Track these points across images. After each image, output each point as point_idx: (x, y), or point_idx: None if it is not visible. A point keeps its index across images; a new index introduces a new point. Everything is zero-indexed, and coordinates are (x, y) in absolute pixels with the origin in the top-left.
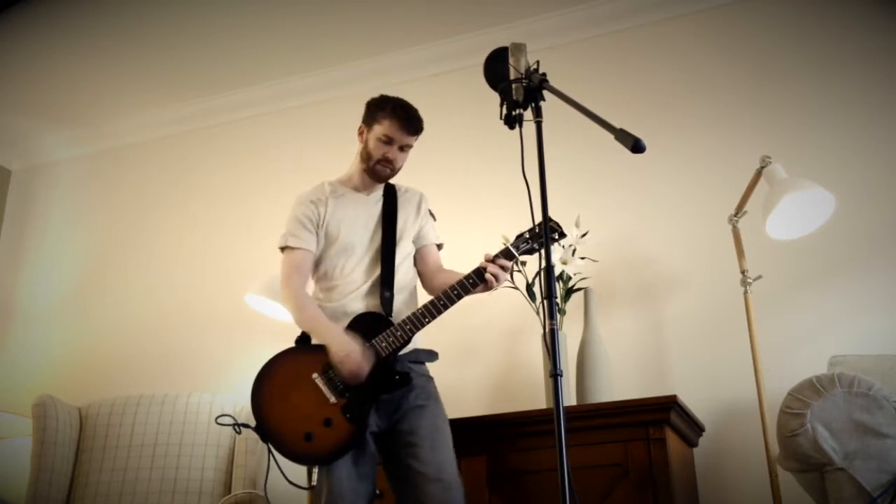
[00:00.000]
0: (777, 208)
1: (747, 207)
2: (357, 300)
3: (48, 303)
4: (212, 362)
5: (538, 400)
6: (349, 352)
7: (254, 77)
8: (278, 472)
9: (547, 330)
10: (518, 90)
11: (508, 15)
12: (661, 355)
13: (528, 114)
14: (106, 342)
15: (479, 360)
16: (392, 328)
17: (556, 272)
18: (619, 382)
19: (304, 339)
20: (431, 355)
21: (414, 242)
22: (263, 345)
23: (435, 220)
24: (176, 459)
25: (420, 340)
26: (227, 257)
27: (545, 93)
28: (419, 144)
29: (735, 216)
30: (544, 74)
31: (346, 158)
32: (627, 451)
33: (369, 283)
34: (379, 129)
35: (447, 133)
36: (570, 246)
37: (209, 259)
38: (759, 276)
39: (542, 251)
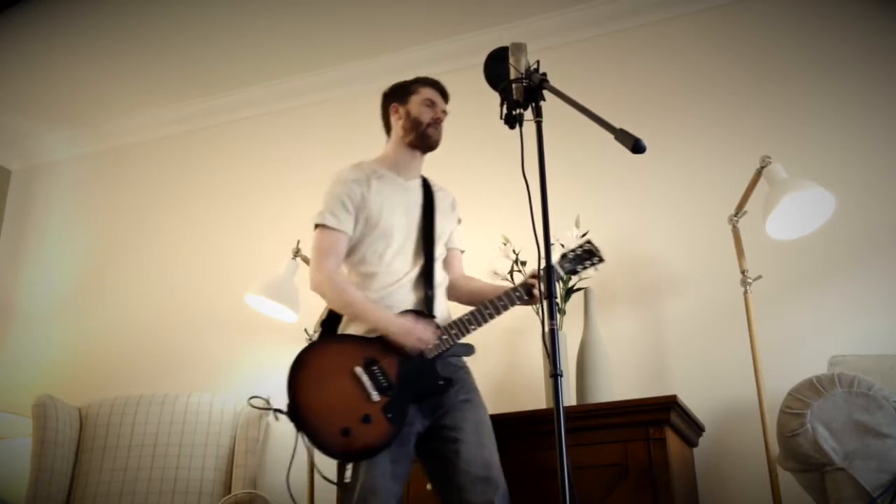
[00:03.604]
0: (777, 208)
1: (747, 207)
2: (401, 293)
3: (48, 303)
4: (212, 362)
5: (538, 400)
6: (407, 329)
7: (254, 77)
8: (299, 464)
9: (547, 330)
10: (518, 90)
11: (508, 15)
12: (661, 355)
13: (528, 114)
14: (106, 342)
15: (480, 360)
16: (439, 331)
17: None
18: (619, 382)
19: (328, 323)
20: (469, 349)
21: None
22: (263, 345)
23: (460, 223)
24: (176, 459)
25: None
26: (227, 257)
27: (545, 93)
28: None
29: (735, 216)
30: (544, 74)
31: (346, 158)
32: (627, 451)
33: (412, 275)
34: (419, 97)
35: (447, 133)
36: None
37: (209, 259)
38: (759, 276)
39: (541, 252)
